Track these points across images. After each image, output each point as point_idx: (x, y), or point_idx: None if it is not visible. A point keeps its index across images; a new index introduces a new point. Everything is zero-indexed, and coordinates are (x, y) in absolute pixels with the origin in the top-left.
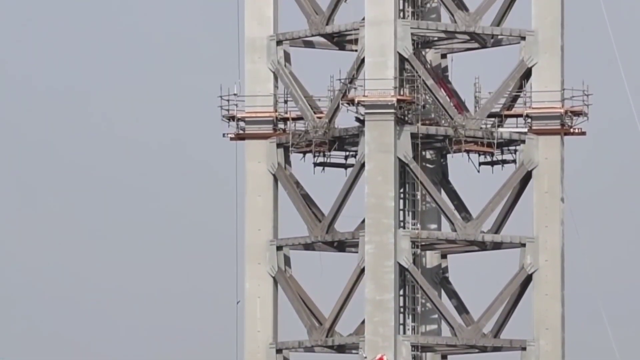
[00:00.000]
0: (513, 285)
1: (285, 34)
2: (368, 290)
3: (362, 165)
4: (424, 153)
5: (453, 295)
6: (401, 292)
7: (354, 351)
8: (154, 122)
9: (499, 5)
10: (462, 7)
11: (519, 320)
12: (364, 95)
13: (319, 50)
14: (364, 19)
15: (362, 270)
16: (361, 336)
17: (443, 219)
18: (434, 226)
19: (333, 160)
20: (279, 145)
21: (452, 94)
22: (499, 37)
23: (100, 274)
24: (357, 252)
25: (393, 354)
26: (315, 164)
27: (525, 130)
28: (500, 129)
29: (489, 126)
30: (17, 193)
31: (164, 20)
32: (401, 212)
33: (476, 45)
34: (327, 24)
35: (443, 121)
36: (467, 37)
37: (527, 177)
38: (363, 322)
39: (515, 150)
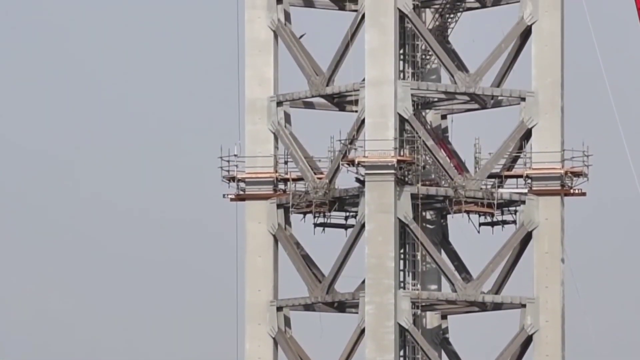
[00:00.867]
0: (513, 346)
1: (285, 95)
2: (368, 351)
3: (363, 226)
4: (424, 213)
5: (453, 356)
6: (401, 353)
7: None
8: (155, 183)
9: (499, 66)
10: (462, 68)
11: None
12: (364, 156)
13: (319, 111)
14: (364, 79)
15: (363, 331)
16: None
17: (443, 279)
18: (434, 287)
19: (333, 221)
20: (279, 206)
21: (452, 154)
22: (499, 98)
23: (100, 338)
24: (357, 313)
25: None
26: (316, 225)
27: (526, 191)
28: (501, 190)
29: (489, 187)
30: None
31: (166, 81)
32: (401, 273)
33: (476, 106)
34: (327, 85)
35: (443, 182)
36: (467, 97)
37: (528, 237)
38: None
39: (516, 211)
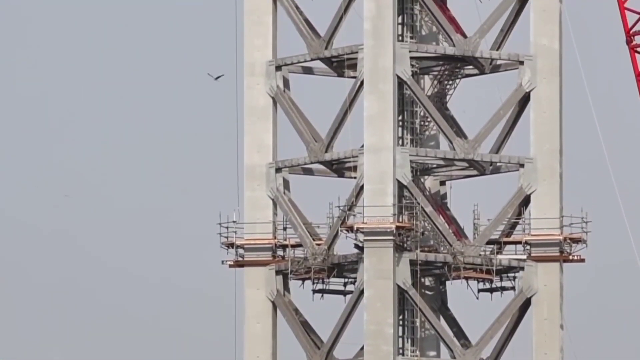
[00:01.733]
0: None
1: (284, 161)
2: None
3: (361, 292)
4: (423, 280)
5: None
6: None
7: None
8: (154, 250)
9: (498, 132)
10: (461, 134)
11: None
12: (363, 222)
13: (318, 177)
14: (362, 146)
15: None
16: None
17: (442, 345)
18: (433, 353)
19: (332, 287)
20: (278, 272)
21: (451, 220)
22: (498, 164)
23: None
24: None
25: None
26: (314, 291)
27: (525, 257)
28: (499, 256)
29: (487, 253)
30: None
31: (165, 148)
32: (400, 339)
33: (475, 172)
34: (326, 151)
35: (442, 248)
36: (466, 164)
37: (527, 304)
38: None
39: (515, 277)
